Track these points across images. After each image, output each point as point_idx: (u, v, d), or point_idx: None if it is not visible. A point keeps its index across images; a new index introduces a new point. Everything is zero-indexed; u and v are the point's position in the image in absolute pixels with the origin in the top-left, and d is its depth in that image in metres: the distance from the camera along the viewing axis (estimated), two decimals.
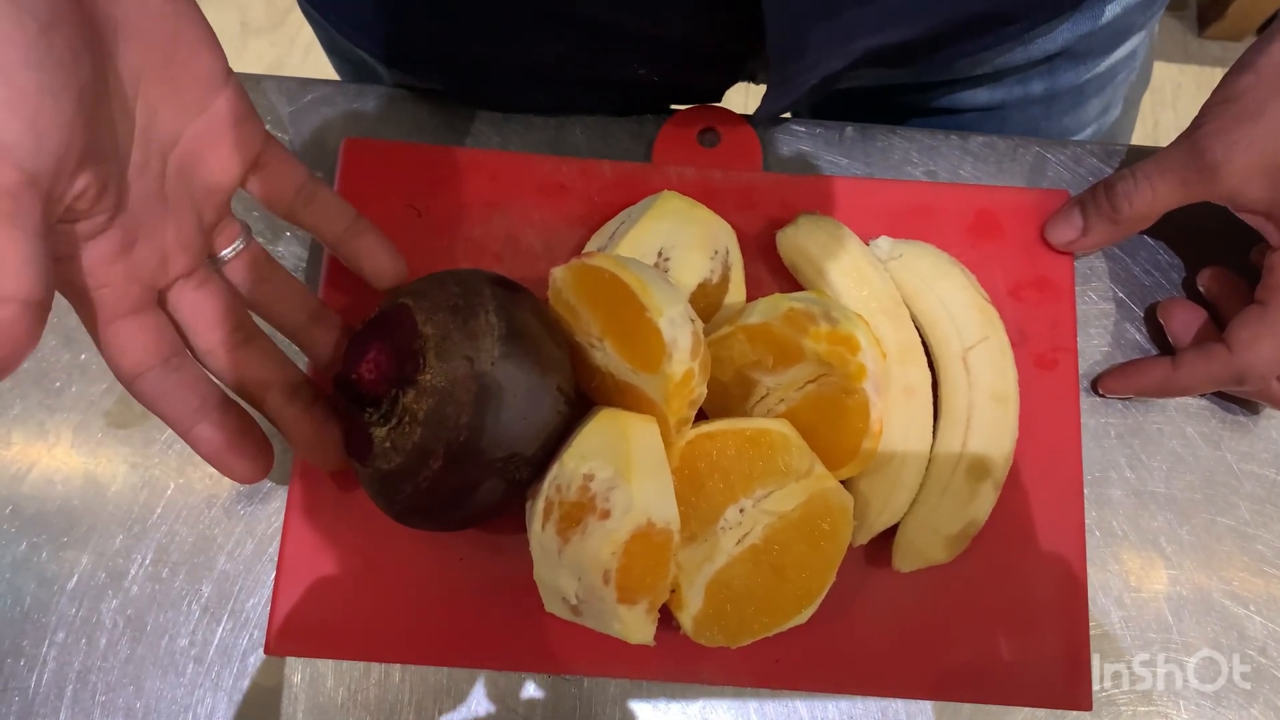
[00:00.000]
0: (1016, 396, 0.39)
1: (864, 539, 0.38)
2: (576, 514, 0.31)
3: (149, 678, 0.38)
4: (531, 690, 0.39)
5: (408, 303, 0.33)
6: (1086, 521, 0.40)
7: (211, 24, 0.31)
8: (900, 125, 0.46)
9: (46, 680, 0.38)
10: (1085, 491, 0.40)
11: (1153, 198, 0.39)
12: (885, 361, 0.35)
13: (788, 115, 0.46)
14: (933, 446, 0.38)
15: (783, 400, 0.36)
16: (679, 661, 0.38)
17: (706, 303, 0.38)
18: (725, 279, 0.39)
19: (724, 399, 0.38)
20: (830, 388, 0.35)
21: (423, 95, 0.46)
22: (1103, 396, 0.42)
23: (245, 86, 0.33)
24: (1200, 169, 0.37)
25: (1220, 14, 1.39)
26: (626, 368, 0.34)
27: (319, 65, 0.59)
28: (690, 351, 0.32)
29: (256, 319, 0.36)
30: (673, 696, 0.39)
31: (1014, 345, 0.39)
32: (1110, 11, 0.46)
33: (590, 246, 0.41)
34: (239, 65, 0.33)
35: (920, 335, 0.39)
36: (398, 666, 0.39)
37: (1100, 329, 0.43)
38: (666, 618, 0.34)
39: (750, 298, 0.40)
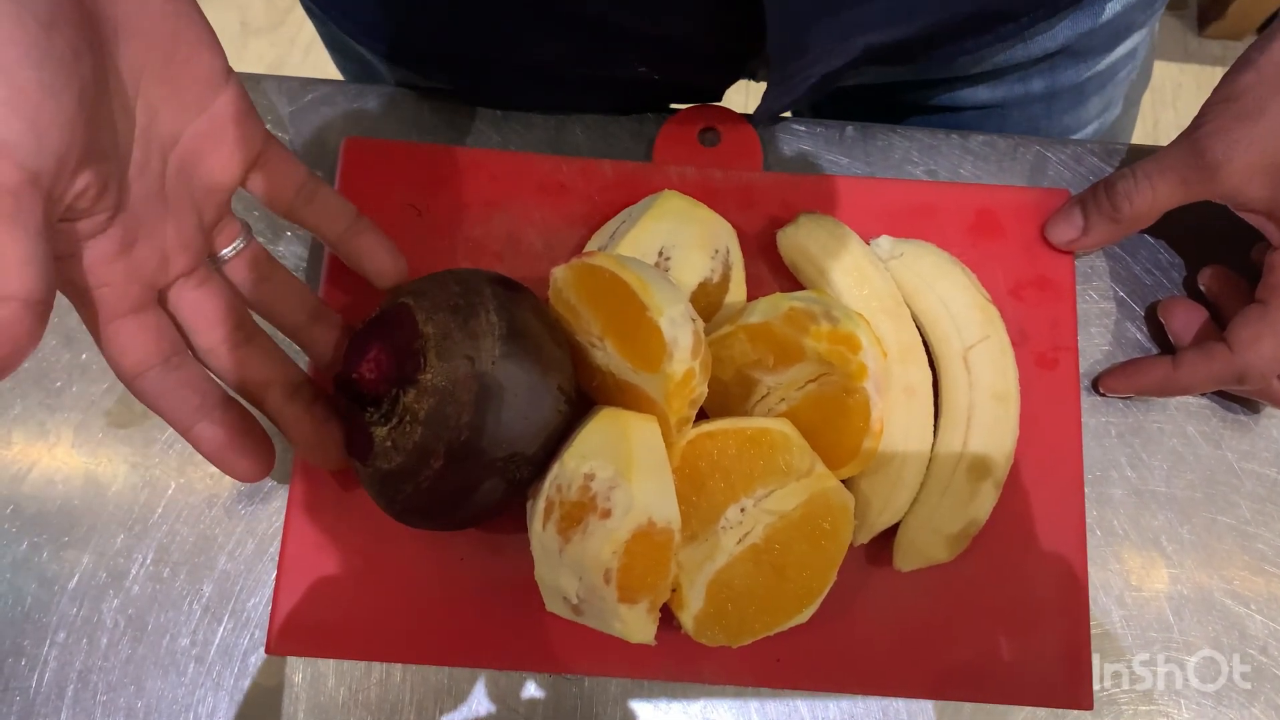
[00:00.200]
0: (1017, 396, 0.39)
1: (865, 538, 0.38)
2: (577, 513, 0.31)
3: (150, 678, 0.38)
4: (532, 690, 0.39)
5: (408, 302, 0.33)
6: (1087, 521, 0.40)
7: (211, 24, 0.31)
8: (901, 124, 0.46)
9: (48, 680, 0.38)
10: (1086, 490, 0.40)
11: (1153, 197, 0.39)
12: (886, 361, 0.35)
13: (788, 114, 0.46)
14: (933, 446, 0.38)
15: (783, 400, 0.36)
16: (680, 661, 0.38)
17: (707, 302, 0.38)
18: (726, 278, 0.39)
19: (725, 398, 0.38)
20: (831, 387, 0.35)
21: (423, 95, 0.46)
22: (1103, 395, 0.42)
23: (245, 86, 0.33)
24: (1201, 168, 0.37)
25: (1220, 13, 1.39)
26: (627, 367, 0.34)
27: (319, 65, 0.59)
28: (691, 351, 0.32)
29: (257, 319, 0.36)
30: (674, 696, 0.39)
31: (1015, 344, 0.39)
32: (1110, 9, 0.46)
33: (591, 246, 0.41)
34: (239, 65, 0.33)
35: (921, 334, 0.39)
36: (399, 666, 0.39)
37: (1101, 328, 0.43)
38: (667, 617, 0.33)
39: (751, 297, 0.40)
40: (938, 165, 0.45)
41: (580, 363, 0.36)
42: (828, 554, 0.34)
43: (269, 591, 0.39)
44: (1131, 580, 0.40)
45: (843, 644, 0.38)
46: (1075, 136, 0.54)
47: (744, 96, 0.53)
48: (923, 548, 0.37)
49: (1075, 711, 0.38)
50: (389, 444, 0.32)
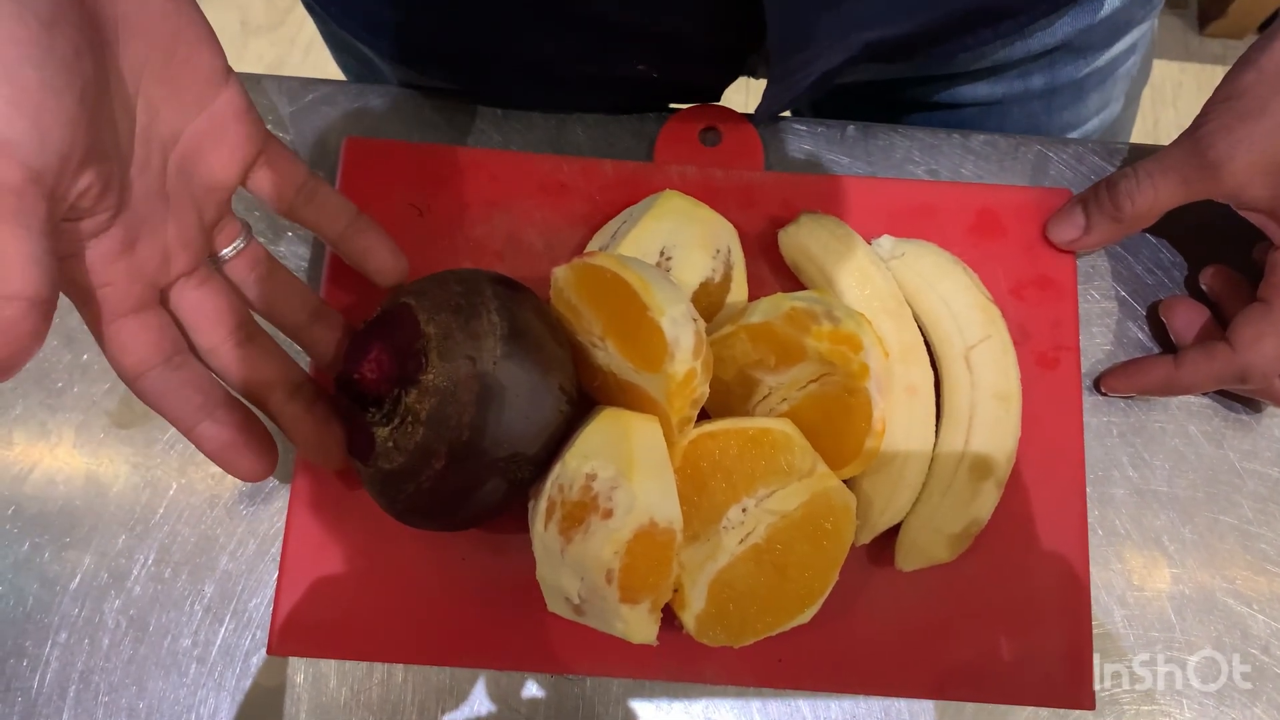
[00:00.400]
0: (1019, 395, 0.38)
1: (866, 538, 0.38)
2: (579, 513, 0.31)
3: (152, 678, 0.38)
4: (534, 690, 0.39)
5: (409, 302, 0.33)
6: (1089, 520, 0.40)
7: (211, 23, 0.31)
8: (901, 122, 0.46)
9: (49, 681, 0.38)
10: (1088, 490, 0.40)
11: (1155, 196, 0.39)
12: (887, 360, 0.35)
13: (789, 114, 0.46)
14: (935, 445, 0.38)
15: (785, 399, 0.36)
16: (682, 661, 0.38)
17: (708, 302, 0.38)
18: (727, 278, 0.39)
19: (726, 398, 0.38)
20: (833, 387, 0.35)
21: (424, 94, 0.46)
22: (1105, 395, 0.42)
23: (246, 86, 0.33)
24: (1202, 167, 0.37)
25: (1221, 12, 1.39)
26: (629, 367, 0.34)
27: (319, 65, 0.59)
28: (692, 351, 0.32)
29: (259, 319, 0.36)
30: (675, 696, 0.39)
31: (1016, 344, 0.39)
32: (1109, 5, 0.46)
33: (592, 246, 0.41)
34: (239, 65, 0.33)
35: (922, 334, 0.39)
36: (400, 666, 0.39)
37: (1102, 327, 0.43)
38: (669, 617, 0.33)
39: (752, 297, 0.40)
40: (939, 165, 0.45)
41: (582, 363, 0.36)
42: (829, 554, 0.34)
43: (271, 592, 0.39)
44: (1133, 580, 0.40)
45: (845, 644, 0.38)
46: (1076, 133, 0.54)
47: (744, 96, 0.53)
48: (924, 548, 0.37)
49: (1077, 711, 0.38)
50: (390, 444, 0.32)
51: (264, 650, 0.38)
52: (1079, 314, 0.42)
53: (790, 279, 0.42)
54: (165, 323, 0.32)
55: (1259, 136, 0.36)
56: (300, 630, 0.38)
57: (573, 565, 0.31)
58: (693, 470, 0.34)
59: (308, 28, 1.42)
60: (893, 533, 0.38)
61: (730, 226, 0.40)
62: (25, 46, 0.24)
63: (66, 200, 0.26)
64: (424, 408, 0.31)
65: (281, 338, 0.37)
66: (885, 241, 0.40)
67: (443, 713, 0.38)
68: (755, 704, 0.39)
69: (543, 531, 0.32)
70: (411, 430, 0.32)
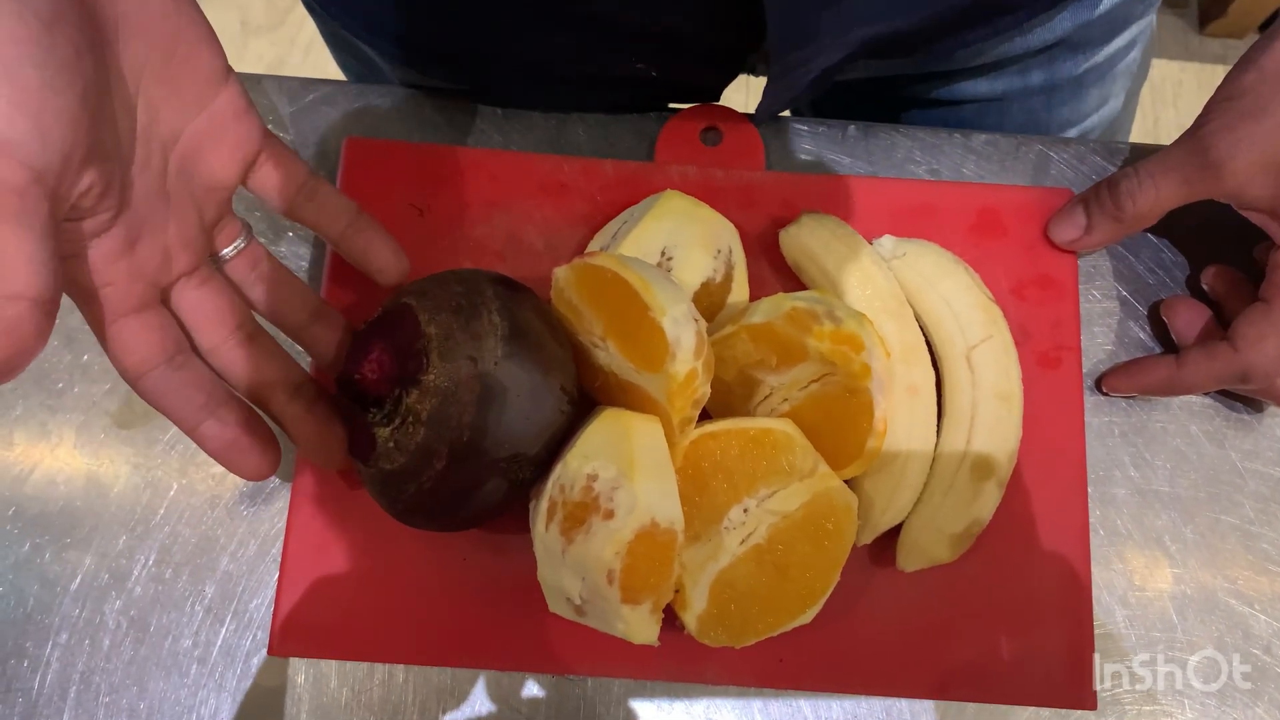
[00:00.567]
0: (1020, 395, 0.38)
1: (868, 538, 0.38)
2: (580, 514, 0.31)
3: (152, 679, 0.38)
4: (535, 690, 0.39)
5: (410, 302, 0.33)
6: (1090, 520, 0.40)
7: (211, 23, 0.31)
8: (901, 119, 0.46)
9: (50, 681, 0.38)
10: (1089, 490, 0.40)
11: (1156, 196, 0.39)
12: (889, 360, 0.35)
13: (789, 114, 0.46)
14: (936, 445, 0.38)
15: (786, 400, 0.36)
16: (683, 662, 0.38)
17: (710, 302, 0.38)
18: (728, 278, 0.39)
19: (727, 398, 0.38)
20: (834, 387, 0.35)
21: (424, 95, 0.46)
22: (1106, 395, 0.42)
23: (246, 86, 0.33)
24: (1204, 167, 0.37)
25: (1221, 11, 1.39)
26: (630, 367, 0.34)
27: (320, 64, 0.59)
28: (693, 351, 0.32)
29: (261, 320, 0.36)
30: (677, 696, 0.39)
31: (1017, 344, 0.39)
32: (1108, 1, 0.46)
33: (593, 246, 0.41)
34: (239, 65, 0.33)
35: (924, 334, 0.39)
36: (401, 667, 0.39)
37: (1104, 327, 0.43)
38: (670, 618, 0.33)
39: (753, 297, 0.40)
40: (940, 164, 0.45)
41: (582, 363, 0.36)
42: (831, 554, 0.34)
43: (271, 592, 0.39)
44: (1135, 580, 0.40)
45: (846, 644, 0.38)
46: (1075, 129, 0.54)
47: (745, 96, 0.53)
48: (926, 548, 0.37)
49: (1079, 712, 0.38)
50: (391, 444, 0.32)
51: (265, 651, 0.38)
52: (1080, 314, 0.42)
53: (791, 279, 0.42)
54: (167, 322, 0.32)
55: (1260, 136, 0.35)
56: (301, 631, 0.38)
57: (574, 566, 0.31)
58: (694, 470, 0.34)
59: (308, 28, 1.42)
60: (894, 533, 0.38)
61: (731, 226, 0.40)
62: (26, 46, 0.24)
63: (68, 200, 0.26)
64: (425, 408, 0.31)
65: (283, 338, 0.37)
66: (886, 241, 0.40)
67: (444, 713, 0.38)
68: (756, 704, 0.39)
69: (544, 532, 0.32)
70: (412, 430, 0.32)
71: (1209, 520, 0.41)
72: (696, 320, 0.32)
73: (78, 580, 0.39)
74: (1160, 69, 1.43)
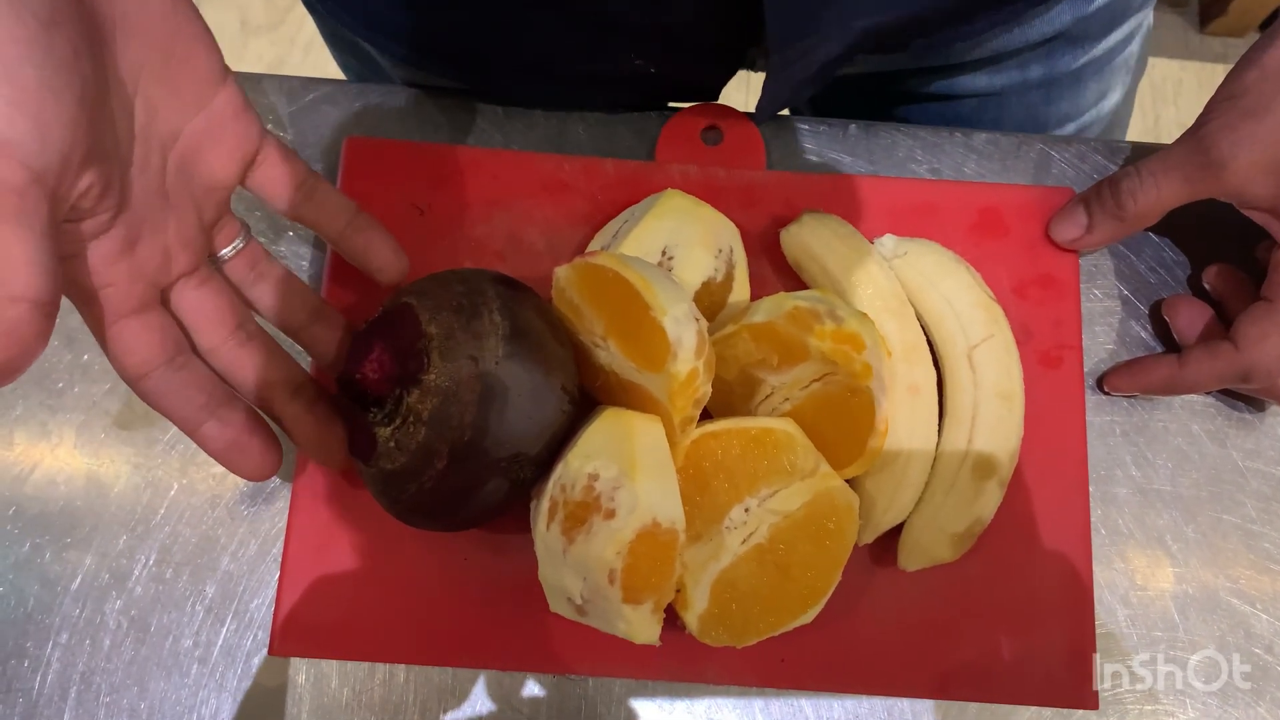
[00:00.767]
0: (1021, 394, 0.38)
1: (869, 538, 0.38)
2: (581, 513, 0.31)
3: (153, 679, 0.38)
4: (536, 690, 0.39)
5: (411, 302, 0.33)
6: (1092, 520, 0.40)
7: (211, 23, 0.31)
8: (900, 114, 0.46)
9: (50, 681, 0.38)
10: (1091, 489, 0.40)
11: (1158, 195, 0.39)
12: (890, 360, 0.35)
13: (790, 113, 0.46)
14: (938, 445, 0.38)
15: (787, 399, 0.36)
16: (684, 661, 0.38)
17: (711, 301, 0.38)
18: (729, 277, 0.39)
19: (728, 398, 0.38)
20: (835, 386, 0.35)
21: (425, 94, 0.45)
22: (1108, 394, 0.42)
23: (246, 85, 0.33)
24: (1206, 165, 0.37)
25: (1222, 10, 1.39)
26: (631, 367, 0.34)
27: (319, 64, 0.59)
28: (695, 350, 0.32)
29: (262, 321, 0.36)
30: (678, 696, 0.39)
31: (1019, 343, 0.39)
32: None
33: (593, 245, 0.41)
34: (239, 65, 0.33)
35: (925, 333, 0.39)
36: (402, 666, 0.39)
37: (1105, 326, 0.43)
38: (672, 617, 0.33)
39: (754, 296, 0.40)
40: (941, 163, 0.45)
41: (583, 362, 0.36)
42: (832, 554, 0.34)
43: (272, 592, 0.39)
44: (1136, 579, 0.40)
45: (847, 644, 0.38)
46: (1074, 124, 0.54)
47: (745, 95, 0.53)
48: (927, 547, 0.37)
49: (1080, 712, 0.38)
50: (392, 444, 0.32)
51: (265, 651, 0.38)
52: (1082, 313, 0.42)
53: (792, 278, 0.42)
54: (167, 323, 0.32)
55: (1262, 135, 0.35)
56: (302, 631, 0.38)
57: (575, 565, 0.31)
58: (695, 470, 0.34)
59: (308, 27, 1.42)
60: (895, 532, 0.38)
61: (732, 226, 0.40)
62: (24, 46, 0.24)
63: (68, 201, 0.26)
64: (426, 408, 0.31)
65: (285, 339, 0.37)
66: (888, 240, 0.40)
67: (445, 713, 0.38)
68: (758, 704, 0.39)
69: (545, 532, 0.32)
70: (413, 430, 0.32)
71: (1211, 519, 0.41)
72: (698, 320, 0.32)
73: (78, 580, 0.39)
74: (1161, 68, 1.43)
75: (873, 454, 0.35)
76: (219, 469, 0.40)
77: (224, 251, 0.34)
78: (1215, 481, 0.41)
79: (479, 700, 0.38)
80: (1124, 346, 0.43)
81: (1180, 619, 0.40)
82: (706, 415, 0.36)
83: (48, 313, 0.24)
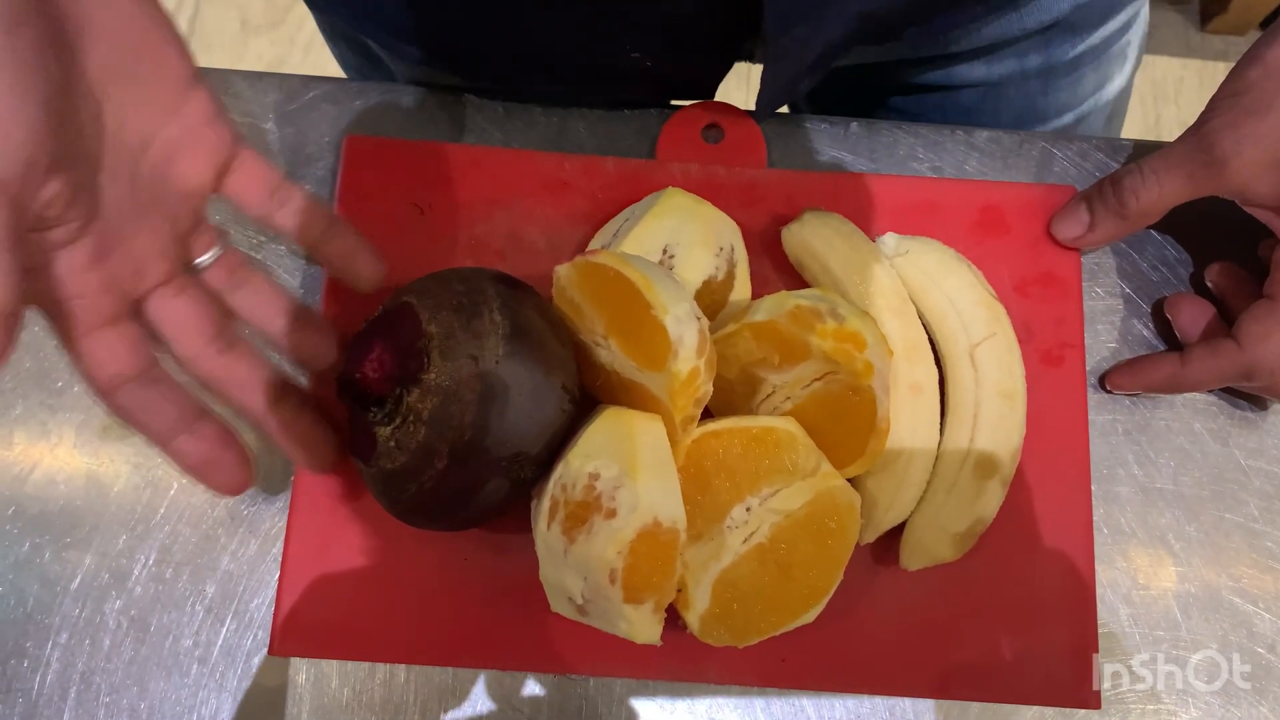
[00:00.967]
0: (1023, 393, 0.38)
1: (871, 537, 0.38)
2: (582, 513, 0.31)
3: (153, 679, 0.38)
4: (537, 690, 0.39)
5: (411, 301, 0.33)
6: (1094, 518, 0.40)
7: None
8: (899, 105, 0.45)
9: (50, 681, 0.38)
10: (1093, 488, 0.40)
11: (1160, 192, 0.38)
12: (892, 358, 0.35)
13: (788, 110, 0.46)
14: (940, 444, 0.38)
15: (789, 398, 0.36)
16: (685, 661, 0.38)
17: (712, 300, 0.38)
18: (731, 276, 0.39)
19: (730, 397, 0.37)
20: (837, 385, 0.35)
21: (425, 92, 0.45)
22: (1110, 393, 0.42)
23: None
24: (1208, 163, 0.37)
25: (1223, 8, 1.38)
26: (632, 366, 0.33)
27: (320, 63, 0.59)
28: (696, 349, 0.32)
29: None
30: (679, 696, 0.39)
31: (1021, 341, 0.39)
32: None
33: (594, 244, 0.41)
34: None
35: (927, 332, 0.39)
36: (402, 666, 0.39)
37: (1107, 325, 0.43)
38: (673, 617, 0.33)
39: (756, 295, 0.40)
40: (943, 161, 0.45)
41: (584, 361, 0.36)
42: (834, 553, 0.34)
43: (272, 592, 0.39)
44: (1139, 578, 0.40)
45: (849, 644, 0.38)
46: (1072, 114, 0.54)
47: (745, 95, 0.53)
48: (929, 546, 0.37)
49: (1082, 711, 0.38)
50: (392, 444, 0.32)
51: (265, 650, 0.38)
52: (1084, 311, 0.42)
53: (794, 277, 0.41)
54: (140, 335, 0.31)
55: (1265, 132, 0.35)
56: (302, 630, 0.38)
57: (576, 565, 0.31)
58: (696, 469, 0.34)
59: (308, 26, 1.42)
60: (897, 532, 0.38)
61: (733, 224, 0.40)
62: None
63: (32, 209, 0.26)
64: (426, 407, 0.31)
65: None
66: (889, 239, 0.40)
67: (445, 713, 0.38)
68: (759, 704, 0.38)
69: (545, 531, 0.32)
70: (413, 430, 0.31)
71: (1213, 518, 0.41)
72: (699, 318, 0.32)
73: (78, 580, 0.39)
74: (1161, 66, 1.43)
75: (874, 453, 0.35)
76: None
77: (201, 259, 0.34)
78: (1218, 480, 0.41)
79: (479, 700, 0.38)
80: (1126, 345, 0.43)
81: (1182, 618, 0.40)
82: (707, 414, 0.36)
83: (8, 325, 0.24)
